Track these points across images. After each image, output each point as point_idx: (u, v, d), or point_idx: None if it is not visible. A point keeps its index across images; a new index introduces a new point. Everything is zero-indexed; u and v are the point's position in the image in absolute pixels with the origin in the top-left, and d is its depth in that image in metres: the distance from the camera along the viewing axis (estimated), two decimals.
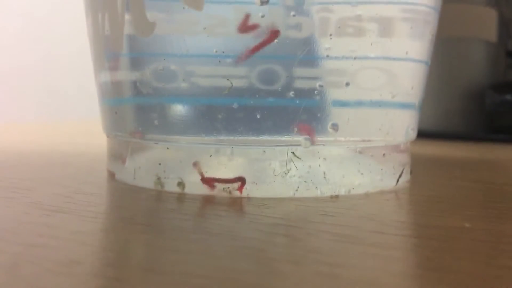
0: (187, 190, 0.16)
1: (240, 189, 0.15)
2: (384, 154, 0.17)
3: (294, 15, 0.15)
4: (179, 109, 0.16)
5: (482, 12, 0.44)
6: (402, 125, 0.18)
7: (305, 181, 0.16)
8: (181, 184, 0.16)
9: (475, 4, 0.43)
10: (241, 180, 0.15)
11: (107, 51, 0.18)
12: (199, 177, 0.16)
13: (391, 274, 0.10)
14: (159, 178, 0.16)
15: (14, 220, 0.13)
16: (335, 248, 0.11)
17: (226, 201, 0.15)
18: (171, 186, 0.16)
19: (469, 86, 0.42)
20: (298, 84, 0.15)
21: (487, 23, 0.44)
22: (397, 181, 0.18)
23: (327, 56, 0.15)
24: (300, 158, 0.16)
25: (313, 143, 0.15)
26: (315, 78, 0.15)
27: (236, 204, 0.15)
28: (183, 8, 0.15)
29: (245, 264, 0.10)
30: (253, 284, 0.09)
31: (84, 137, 0.37)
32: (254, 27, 0.15)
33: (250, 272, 0.10)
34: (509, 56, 0.47)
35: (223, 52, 0.15)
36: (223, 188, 0.16)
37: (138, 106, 0.17)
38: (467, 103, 0.42)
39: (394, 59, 0.17)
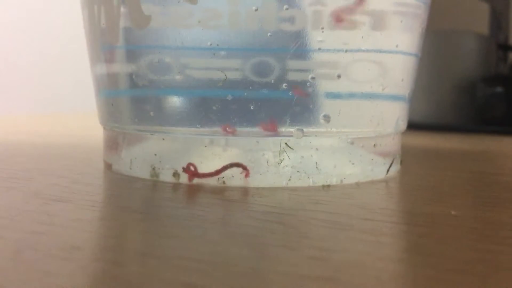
0: (182, 180, 0.16)
1: (247, 175, 0.16)
2: (374, 145, 0.18)
3: (287, 9, 0.15)
4: (174, 100, 0.17)
5: (474, 5, 0.44)
6: (393, 117, 0.18)
7: (297, 171, 0.16)
8: (176, 174, 0.16)
9: None
10: (239, 166, 0.16)
11: (103, 44, 0.18)
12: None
13: (378, 257, 0.10)
14: (154, 169, 0.17)
15: (15, 208, 0.13)
16: (326, 234, 0.11)
17: (221, 191, 0.15)
18: (166, 176, 0.17)
19: (460, 78, 0.43)
20: (291, 76, 0.16)
21: (478, 16, 0.45)
22: (388, 171, 0.18)
23: (319, 49, 0.16)
24: (293, 149, 0.16)
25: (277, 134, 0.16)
26: (307, 71, 0.16)
27: (230, 194, 0.15)
28: (178, 1, 0.15)
29: (239, 249, 0.10)
30: (248, 267, 0.09)
31: (80, 129, 0.37)
32: None
33: (244, 256, 0.10)
34: (500, 49, 0.47)
35: (217, 45, 0.15)
36: (218, 178, 0.16)
37: (134, 98, 0.17)
38: (458, 95, 0.43)
39: (384, 52, 0.17)
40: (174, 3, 0.16)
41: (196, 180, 0.16)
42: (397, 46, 0.17)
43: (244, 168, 0.16)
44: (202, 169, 0.16)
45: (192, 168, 0.16)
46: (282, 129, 0.16)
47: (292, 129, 0.16)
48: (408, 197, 0.16)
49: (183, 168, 0.16)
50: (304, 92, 0.15)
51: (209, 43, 0.15)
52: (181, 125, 0.16)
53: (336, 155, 0.17)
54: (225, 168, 0.16)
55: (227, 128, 0.15)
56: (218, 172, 0.16)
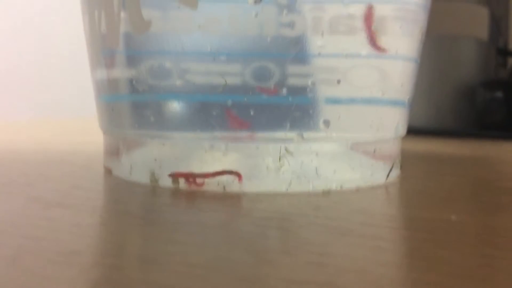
0: (182, 185, 0.16)
1: (240, 180, 0.16)
2: (374, 150, 0.18)
3: (287, 14, 0.15)
4: (174, 106, 0.17)
5: (474, 10, 0.45)
6: (392, 122, 0.18)
7: (297, 176, 0.16)
8: (176, 179, 0.16)
9: (467, 2, 0.44)
10: (234, 174, 0.16)
11: (103, 49, 0.18)
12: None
13: (379, 263, 0.10)
14: (154, 174, 0.17)
15: (15, 214, 0.13)
16: (326, 239, 0.11)
17: (221, 196, 0.15)
18: (166, 181, 0.17)
19: (460, 83, 0.43)
20: (291, 81, 0.16)
21: (478, 21, 0.45)
22: (387, 176, 0.18)
23: (319, 54, 0.16)
24: (292, 154, 0.16)
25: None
26: (307, 76, 0.16)
27: (230, 199, 0.15)
28: (178, 6, 0.15)
29: (239, 254, 0.10)
30: (247, 273, 0.09)
31: (80, 134, 0.37)
32: None
33: (244, 262, 0.10)
34: (499, 54, 0.47)
35: (218, 50, 0.15)
36: (217, 183, 0.16)
37: (134, 103, 0.17)
38: (458, 100, 0.43)
39: (384, 57, 0.17)
40: (174, 8, 0.16)
41: (195, 187, 0.16)
42: (396, 51, 0.17)
43: (237, 174, 0.16)
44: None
45: (191, 179, 0.16)
46: (282, 134, 0.16)
47: (292, 134, 0.16)
48: (408, 202, 0.16)
49: (171, 174, 0.16)
50: (273, 91, 0.15)
51: (209, 48, 0.15)
52: (181, 130, 0.16)
53: (336, 160, 0.17)
54: (216, 174, 0.16)
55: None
56: (207, 175, 0.16)
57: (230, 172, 0.16)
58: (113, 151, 0.19)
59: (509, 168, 0.24)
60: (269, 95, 0.15)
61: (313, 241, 0.11)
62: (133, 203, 0.15)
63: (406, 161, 0.21)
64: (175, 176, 0.16)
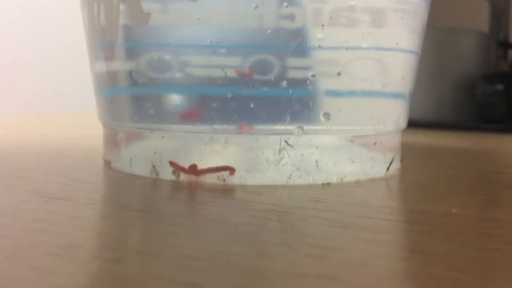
0: (182, 178, 0.16)
1: (232, 173, 0.16)
2: (375, 143, 0.18)
3: (287, 6, 0.15)
4: (174, 98, 0.16)
5: (475, 3, 0.44)
6: (393, 115, 0.18)
7: (297, 169, 0.16)
8: (176, 172, 0.16)
9: None
10: (229, 169, 0.16)
11: (102, 41, 0.18)
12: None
13: (379, 256, 0.10)
14: (154, 166, 0.17)
15: (15, 207, 0.13)
16: (326, 232, 0.11)
17: (221, 189, 0.15)
18: (166, 174, 0.17)
19: (460, 76, 0.43)
20: (291, 74, 0.16)
21: (479, 14, 0.45)
22: (388, 169, 0.18)
23: (319, 46, 0.16)
24: (292, 147, 0.16)
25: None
26: (307, 68, 0.16)
27: (230, 192, 0.15)
28: None
29: (239, 247, 0.10)
30: (247, 265, 0.09)
31: (79, 128, 0.37)
32: None
33: (243, 254, 0.10)
34: (500, 47, 0.47)
35: (217, 42, 0.15)
36: (218, 176, 0.16)
37: (133, 95, 0.17)
38: (458, 93, 0.43)
39: (385, 49, 0.17)
40: (173, 1, 0.16)
41: (195, 179, 0.16)
42: (397, 43, 0.17)
43: (230, 169, 0.16)
44: (202, 166, 0.16)
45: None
46: (282, 127, 0.16)
47: (292, 127, 0.16)
48: (408, 195, 0.16)
49: (171, 162, 0.16)
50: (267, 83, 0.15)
51: (209, 41, 0.15)
52: (180, 123, 0.16)
53: (336, 153, 0.17)
54: (211, 170, 0.16)
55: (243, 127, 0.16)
56: (203, 171, 0.16)
57: (224, 168, 0.16)
58: (112, 144, 0.19)
59: (509, 160, 0.24)
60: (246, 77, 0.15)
61: (313, 234, 0.11)
62: (133, 196, 0.15)
63: (407, 154, 0.21)
64: (173, 165, 0.16)
